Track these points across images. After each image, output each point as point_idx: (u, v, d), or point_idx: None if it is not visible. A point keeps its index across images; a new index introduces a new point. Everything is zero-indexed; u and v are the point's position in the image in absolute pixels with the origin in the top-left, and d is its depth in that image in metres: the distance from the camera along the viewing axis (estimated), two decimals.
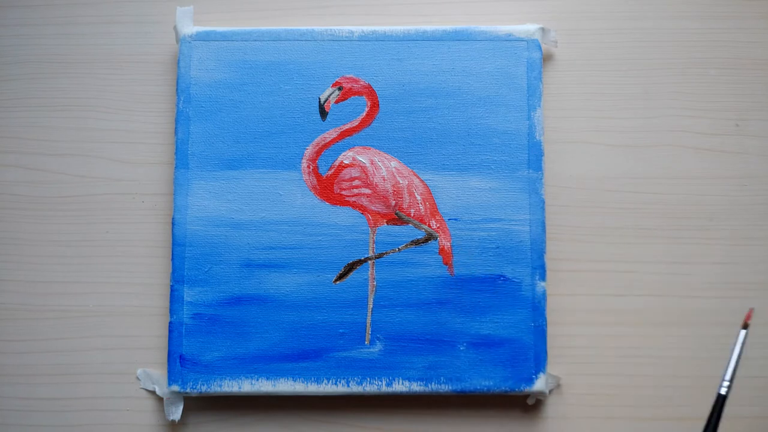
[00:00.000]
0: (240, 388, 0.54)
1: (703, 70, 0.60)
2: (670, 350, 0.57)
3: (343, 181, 0.56)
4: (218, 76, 0.57)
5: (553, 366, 0.57)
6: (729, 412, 0.56)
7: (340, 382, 0.54)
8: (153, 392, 0.57)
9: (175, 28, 0.58)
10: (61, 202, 0.59)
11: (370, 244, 0.56)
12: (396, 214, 0.56)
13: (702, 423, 0.56)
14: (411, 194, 0.56)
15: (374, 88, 0.57)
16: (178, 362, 0.54)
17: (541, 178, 0.56)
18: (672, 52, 0.60)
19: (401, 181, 0.56)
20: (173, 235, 0.56)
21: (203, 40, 0.58)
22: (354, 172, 0.56)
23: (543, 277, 0.55)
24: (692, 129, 0.59)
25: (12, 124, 0.60)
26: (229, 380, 0.54)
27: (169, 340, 0.55)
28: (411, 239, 0.56)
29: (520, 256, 0.55)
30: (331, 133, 0.57)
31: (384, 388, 0.54)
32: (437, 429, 0.56)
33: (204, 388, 0.54)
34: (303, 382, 0.54)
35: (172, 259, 0.55)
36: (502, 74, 0.57)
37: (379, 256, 0.56)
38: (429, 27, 0.58)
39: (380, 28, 0.58)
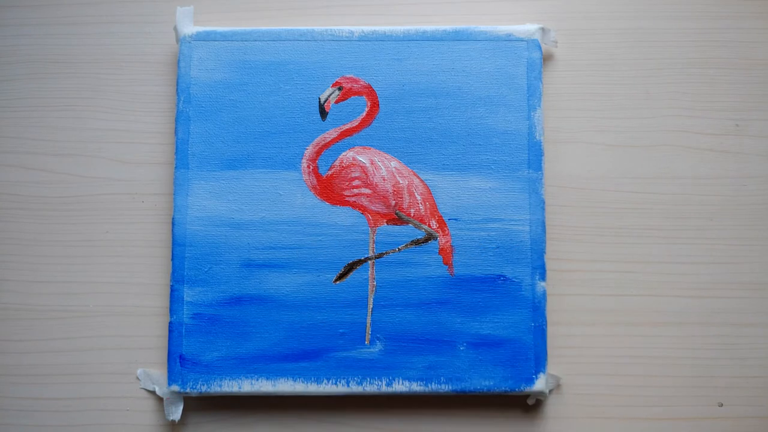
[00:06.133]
0: (240, 388, 0.54)
1: (703, 70, 0.60)
2: (669, 350, 0.57)
3: (344, 180, 0.56)
4: (218, 76, 0.57)
5: (553, 366, 0.57)
6: (728, 412, 0.56)
7: (340, 382, 0.54)
8: (153, 392, 0.57)
9: (175, 28, 0.58)
10: (62, 202, 0.59)
11: (370, 244, 0.56)
12: (396, 214, 0.56)
13: (700, 423, 0.57)
14: (411, 194, 0.56)
15: (374, 88, 0.57)
16: (178, 362, 0.54)
17: (541, 178, 0.56)
18: (672, 52, 0.60)
19: (401, 181, 0.56)
20: (173, 235, 0.56)
21: (203, 40, 0.58)
22: (354, 172, 0.56)
23: (543, 277, 0.55)
24: (692, 129, 0.59)
25: (12, 124, 0.60)
26: (229, 380, 0.54)
27: (169, 340, 0.55)
28: (411, 239, 0.56)
29: (520, 256, 0.55)
30: (331, 133, 0.57)
31: (384, 388, 0.54)
32: (437, 429, 0.56)
33: (204, 388, 0.54)
34: (303, 382, 0.54)
35: (172, 259, 0.55)
36: (502, 74, 0.57)
37: (379, 256, 0.56)
38: (429, 27, 0.58)
39: (380, 28, 0.58)
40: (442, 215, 0.56)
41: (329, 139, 0.57)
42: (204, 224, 0.56)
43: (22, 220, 0.59)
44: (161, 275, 0.58)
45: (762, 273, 0.58)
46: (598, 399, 0.57)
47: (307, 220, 0.56)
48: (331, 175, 0.56)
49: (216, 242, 0.56)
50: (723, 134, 0.59)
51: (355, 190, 0.56)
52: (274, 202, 0.56)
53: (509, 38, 0.57)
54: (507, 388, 0.54)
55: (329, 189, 0.56)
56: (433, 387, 0.54)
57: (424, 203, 0.56)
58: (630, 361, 0.57)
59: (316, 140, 0.57)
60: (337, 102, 0.57)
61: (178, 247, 0.55)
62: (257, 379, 0.54)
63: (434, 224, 0.56)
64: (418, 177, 0.56)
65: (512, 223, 0.56)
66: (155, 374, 0.57)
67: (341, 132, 0.57)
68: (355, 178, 0.56)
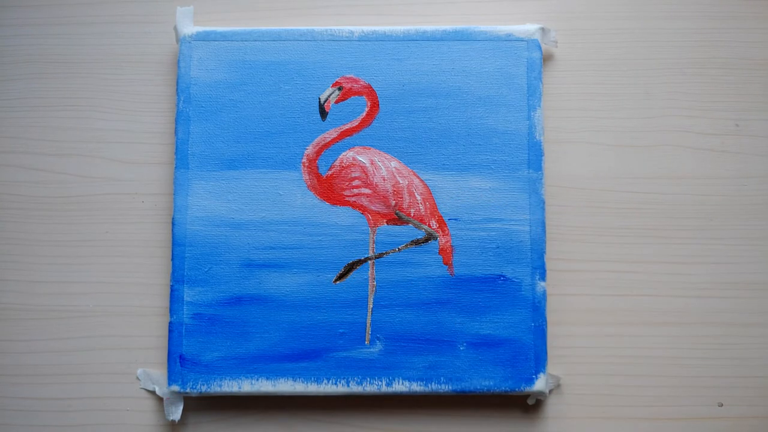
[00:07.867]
0: (240, 388, 0.54)
1: (703, 70, 0.60)
2: (669, 350, 0.57)
3: (344, 180, 0.56)
4: (218, 76, 0.57)
5: (553, 366, 0.57)
6: (728, 412, 0.56)
7: (340, 382, 0.54)
8: (153, 392, 0.57)
9: (175, 28, 0.58)
10: (62, 202, 0.59)
11: (370, 244, 0.56)
12: (396, 214, 0.56)
13: (700, 423, 0.57)
14: (411, 194, 0.56)
15: (374, 88, 0.57)
16: (178, 362, 0.54)
17: (541, 178, 0.56)
18: (672, 52, 0.60)
19: (401, 181, 0.56)
20: (173, 235, 0.56)
21: (203, 40, 0.58)
22: (354, 172, 0.56)
23: (543, 277, 0.55)
24: (692, 129, 0.59)
25: (13, 124, 0.60)
26: (229, 380, 0.54)
27: (169, 340, 0.55)
28: (411, 239, 0.56)
29: (520, 256, 0.55)
30: (331, 133, 0.57)
31: (384, 388, 0.54)
32: (437, 429, 0.56)
33: (204, 388, 0.54)
34: (303, 382, 0.54)
35: (172, 259, 0.55)
36: (502, 74, 0.57)
37: (379, 256, 0.56)
38: (429, 27, 0.58)
39: (380, 28, 0.58)
40: (442, 215, 0.56)
41: (329, 139, 0.57)
42: (204, 224, 0.56)
43: (22, 219, 0.59)
44: (161, 275, 0.58)
45: (762, 273, 0.58)
46: (598, 399, 0.57)
47: (307, 220, 0.56)
48: (331, 175, 0.56)
49: (216, 242, 0.56)
50: (723, 134, 0.59)
51: (355, 190, 0.56)
52: (274, 202, 0.56)
53: (509, 38, 0.57)
54: (507, 388, 0.54)
55: (329, 189, 0.56)
56: (433, 387, 0.54)
57: (424, 203, 0.56)
58: (630, 361, 0.57)
59: (316, 140, 0.57)
60: (337, 102, 0.57)
61: (178, 247, 0.55)
62: (257, 379, 0.54)
63: (434, 224, 0.56)
64: (418, 177, 0.56)
65: (512, 223, 0.56)
66: (155, 374, 0.57)
67: (341, 132, 0.57)
68: (355, 178, 0.56)
